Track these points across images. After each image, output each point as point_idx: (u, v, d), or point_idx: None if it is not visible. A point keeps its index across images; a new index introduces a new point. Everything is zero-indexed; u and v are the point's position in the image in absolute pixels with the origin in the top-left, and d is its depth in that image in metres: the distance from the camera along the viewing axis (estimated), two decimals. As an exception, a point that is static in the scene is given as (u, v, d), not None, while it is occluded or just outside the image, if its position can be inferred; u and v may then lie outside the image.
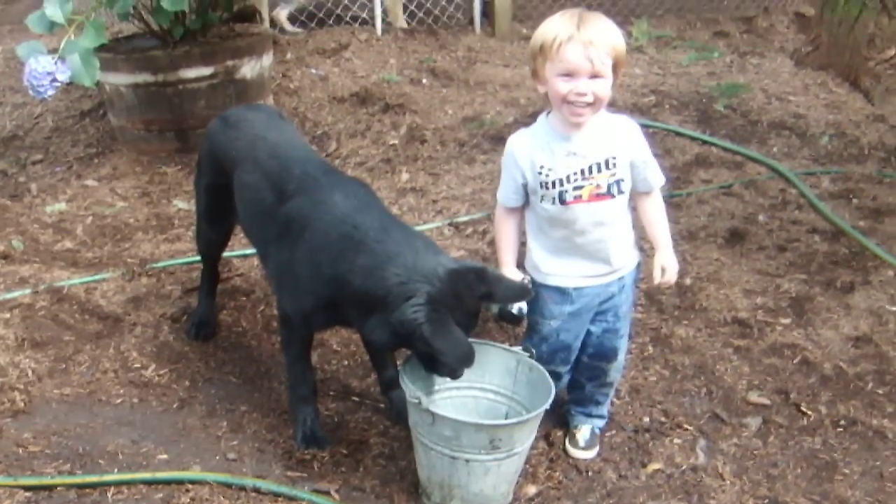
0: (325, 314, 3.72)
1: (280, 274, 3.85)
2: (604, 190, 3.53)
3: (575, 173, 3.50)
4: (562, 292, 3.68)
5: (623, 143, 3.53)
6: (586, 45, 3.33)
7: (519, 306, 3.58)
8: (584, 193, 3.53)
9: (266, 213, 3.87)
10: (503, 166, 3.66)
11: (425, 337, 3.29)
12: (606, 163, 3.51)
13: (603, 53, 3.34)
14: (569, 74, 3.40)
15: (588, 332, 3.80)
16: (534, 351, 3.72)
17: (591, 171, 3.51)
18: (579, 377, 3.94)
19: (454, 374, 3.46)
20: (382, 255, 3.46)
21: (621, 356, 3.88)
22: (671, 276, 3.67)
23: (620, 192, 3.55)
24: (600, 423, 4.00)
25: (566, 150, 3.50)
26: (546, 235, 3.65)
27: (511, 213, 3.70)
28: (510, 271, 3.66)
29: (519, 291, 3.54)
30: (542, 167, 3.53)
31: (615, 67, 3.41)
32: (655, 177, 3.64)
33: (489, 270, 3.49)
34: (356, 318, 3.56)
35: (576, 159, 3.50)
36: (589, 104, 3.41)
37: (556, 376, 3.70)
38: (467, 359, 3.39)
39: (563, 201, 3.53)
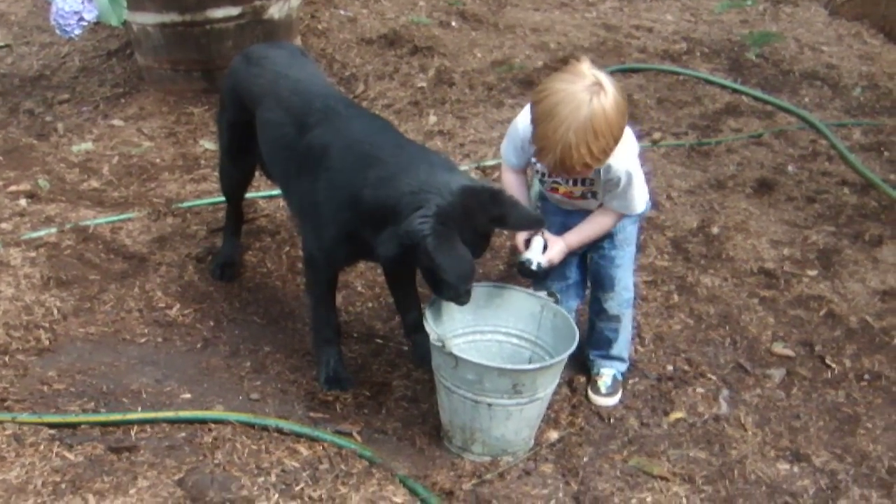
0: (347, 246, 3.71)
1: (302, 207, 3.86)
2: (577, 195, 3.67)
3: (554, 172, 3.58)
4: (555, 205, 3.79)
5: (603, 172, 3.53)
6: (565, 172, 3.41)
7: (538, 261, 3.58)
8: (559, 189, 3.69)
9: (288, 148, 3.87)
10: (509, 132, 3.72)
11: (428, 250, 3.27)
12: (583, 181, 3.61)
13: (580, 169, 3.37)
14: None
15: (591, 260, 3.88)
16: (558, 296, 3.72)
17: (567, 180, 3.62)
18: (592, 317, 4.00)
19: (457, 296, 3.46)
20: (395, 168, 3.45)
21: (619, 289, 3.88)
22: (548, 254, 3.64)
23: (594, 198, 3.67)
24: (621, 367, 4.00)
25: None
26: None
27: (514, 174, 3.78)
28: None
29: (532, 220, 3.55)
30: (532, 155, 3.59)
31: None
32: (617, 205, 3.66)
33: (504, 193, 3.47)
34: (372, 240, 3.52)
35: None
36: None
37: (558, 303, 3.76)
38: (467, 278, 3.38)
39: (541, 183, 3.73)
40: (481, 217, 3.37)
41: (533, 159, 3.63)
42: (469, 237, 3.34)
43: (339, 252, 3.78)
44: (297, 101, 3.92)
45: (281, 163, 4.01)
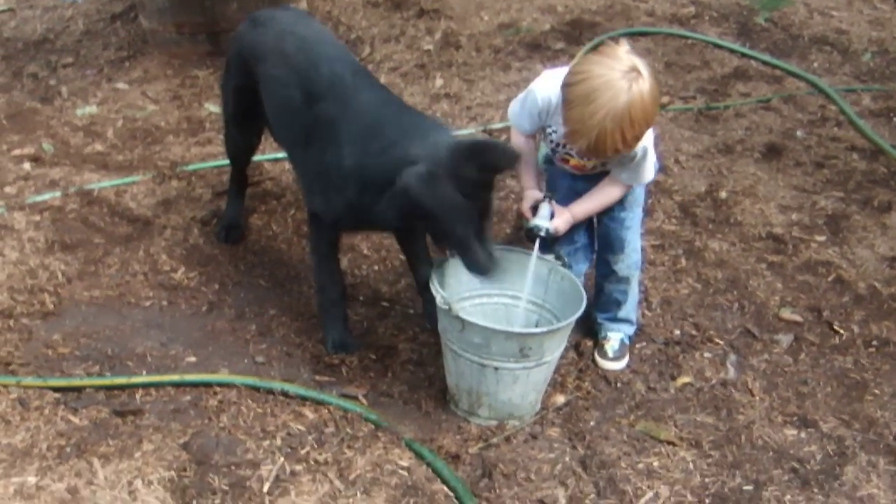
0: (353, 214, 3.70)
1: (309, 175, 3.85)
2: (588, 168, 3.66)
3: (569, 145, 3.57)
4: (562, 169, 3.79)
5: None
6: (595, 155, 3.44)
7: (546, 227, 3.57)
8: (571, 161, 3.66)
9: (294, 114, 3.85)
10: (524, 98, 3.67)
11: (420, 199, 3.28)
12: None
13: (608, 153, 3.37)
14: None
15: (600, 221, 3.85)
16: (566, 259, 3.71)
17: (581, 155, 3.59)
18: (599, 279, 3.99)
19: (477, 259, 3.40)
20: (395, 136, 3.47)
21: (629, 250, 3.87)
22: (554, 223, 3.61)
23: (605, 171, 3.68)
24: (629, 330, 3.99)
25: None
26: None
27: (523, 138, 3.75)
28: (532, 195, 3.69)
29: (509, 154, 3.45)
30: (549, 125, 3.60)
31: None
32: (627, 177, 3.65)
33: (489, 141, 3.48)
34: (377, 207, 3.52)
35: None
36: None
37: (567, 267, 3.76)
38: (462, 215, 3.34)
39: (553, 154, 3.70)
40: (471, 167, 3.33)
41: (548, 129, 3.61)
42: (467, 189, 3.31)
43: (345, 218, 3.78)
44: (302, 61, 3.89)
45: (287, 128, 3.99)
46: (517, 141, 3.75)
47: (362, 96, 3.72)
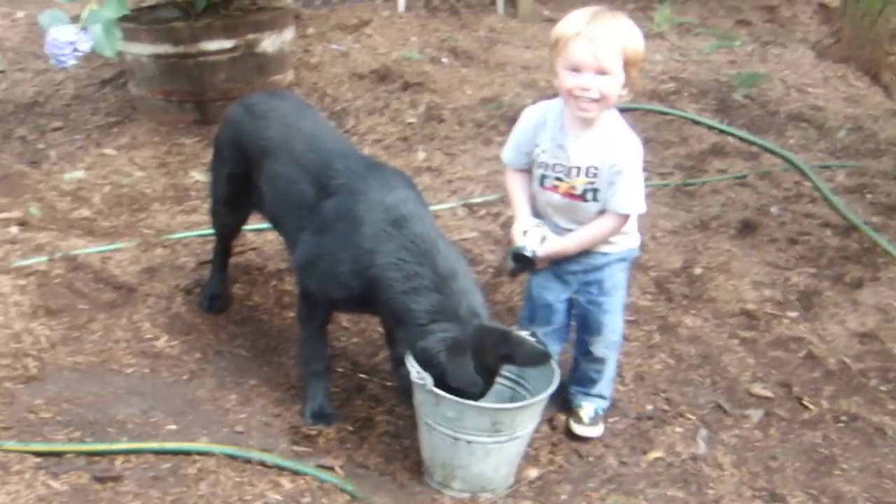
0: (351, 304, 3.90)
1: (314, 261, 3.86)
2: (578, 192, 3.67)
3: (557, 166, 3.65)
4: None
5: (609, 159, 3.58)
6: (592, 41, 3.44)
7: (533, 249, 3.63)
8: (560, 186, 3.69)
9: (304, 206, 3.91)
10: (514, 128, 3.81)
11: (444, 369, 3.43)
12: (587, 170, 3.62)
13: (609, 50, 3.44)
14: (575, 69, 3.50)
15: (578, 304, 3.90)
16: (540, 336, 3.75)
17: (569, 173, 3.64)
18: (577, 355, 4.04)
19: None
20: (422, 291, 3.56)
21: (607, 332, 3.91)
22: (543, 247, 3.67)
23: (595, 200, 3.67)
24: (603, 404, 4.03)
25: (559, 141, 3.62)
26: (536, 196, 3.81)
27: (516, 173, 3.83)
28: (525, 221, 3.74)
29: (538, 357, 3.60)
30: (538, 144, 3.68)
31: (627, 67, 3.48)
32: (617, 203, 3.65)
33: (513, 334, 3.57)
34: (383, 318, 3.80)
35: (563, 155, 3.63)
36: (594, 100, 3.50)
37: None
38: (474, 391, 3.48)
39: (541, 184, 3.71)
40: (491, 354, 3.50)
41: (537, 150, 3.68)
42: (478, 370, 3.46)
43: (342, 305, 3.97)
44: (313, 159, 3.97)
45: (293, 218, 4.02)
46: (508, 176, 3.85)
47: (388, 201, 3.73)
